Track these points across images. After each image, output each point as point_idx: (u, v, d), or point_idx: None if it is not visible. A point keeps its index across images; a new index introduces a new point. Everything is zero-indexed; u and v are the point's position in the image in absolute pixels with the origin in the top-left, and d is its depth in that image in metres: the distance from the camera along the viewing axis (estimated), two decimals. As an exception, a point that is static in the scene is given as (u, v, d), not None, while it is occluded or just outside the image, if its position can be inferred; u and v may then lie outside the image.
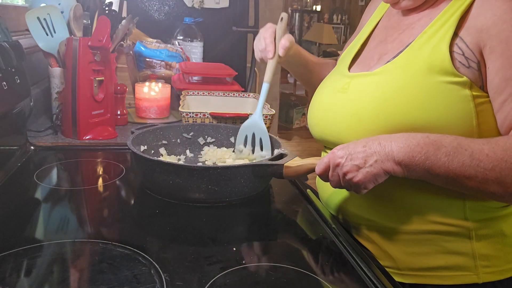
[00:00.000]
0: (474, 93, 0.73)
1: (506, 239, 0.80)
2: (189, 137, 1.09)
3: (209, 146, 1.08)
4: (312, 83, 1.08)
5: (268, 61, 0.95)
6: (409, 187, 0.78)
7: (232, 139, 1.08)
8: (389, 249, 0.81)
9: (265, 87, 0.95)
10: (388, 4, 0.92)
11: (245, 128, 1.00)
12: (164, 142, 1.05)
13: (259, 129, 0.98)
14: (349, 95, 0.83)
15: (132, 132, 1.00)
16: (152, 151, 1.02)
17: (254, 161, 0.98)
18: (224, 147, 1.08)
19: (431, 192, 0.77)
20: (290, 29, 8.80)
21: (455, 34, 0.75)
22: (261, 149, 0.98)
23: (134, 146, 0.92)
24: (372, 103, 0.78)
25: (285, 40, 0.93)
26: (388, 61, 0.81)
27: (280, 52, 0.93)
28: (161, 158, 0.99)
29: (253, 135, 0.99)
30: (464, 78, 0.73)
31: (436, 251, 0.79)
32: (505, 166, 0.66)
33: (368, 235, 0.83)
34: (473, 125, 0.73)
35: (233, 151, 1.04)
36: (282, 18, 0.96)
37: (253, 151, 0.99)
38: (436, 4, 0.82)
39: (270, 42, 0.94)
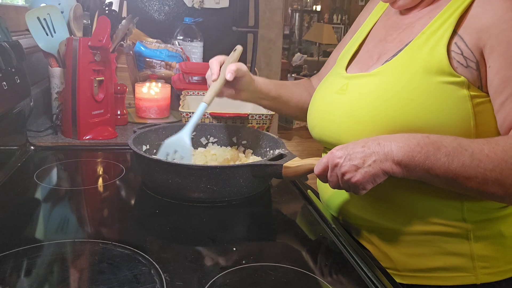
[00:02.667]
0: (472, 93, 0.73)
1: (504, 240, 0.80)
2: (192, 136, 1.09)
3: (210, 146, 1.08)
4: (290, 109, 1.06)
5: (211, 83, 0.94)
6: (408, 188, 0.78)
7: (234, 139, 1.09)
8: (388, 251, 0.81)
9: (201, 106, 0.92)
10: (387, 4, 0.92)
11: (167, 145, 0.93)
12: None
13: (184, 147, 0.92)
14: (347, 96, 0.83)
15: (134, 132, 1.00)
16: (154, 150, 1.02)
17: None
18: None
19: (430, 193, 0.77)
20: (290, 29, 8.81)
21: (455, 34, 0.75)
22: None
23: (135, 145, 0.92)
24: (371, 104, 0.77)
25: (233, 65, 0.92)
26: (386, 61, 0.81)
27: (227, 75, 0.91)
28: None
29: (176, 152, 0.92)
30: (462, 78, 0.73)
31: (435, 252, 0.79)
32: (505, 167, 0.65)
33: (367, 237, 0.83)
34: (471, 125, 0.73)
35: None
36: (235, 49, 0.98)
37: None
38: (435, 2, 0.82)
39: (215, 65, 0.95)
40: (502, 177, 0.65)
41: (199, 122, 0.94)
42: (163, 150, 0.93)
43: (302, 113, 1.04)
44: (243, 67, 0.94)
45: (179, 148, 0.92)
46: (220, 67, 0.95)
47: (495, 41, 0.71)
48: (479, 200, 0.77)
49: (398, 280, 0.79)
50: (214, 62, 0.95)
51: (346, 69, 0.91)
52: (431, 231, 0.78)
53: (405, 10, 0.87)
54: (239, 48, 0.98)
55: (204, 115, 1.16)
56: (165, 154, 0.92)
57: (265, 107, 1.08)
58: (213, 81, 0.93)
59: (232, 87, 0.97)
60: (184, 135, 0.92)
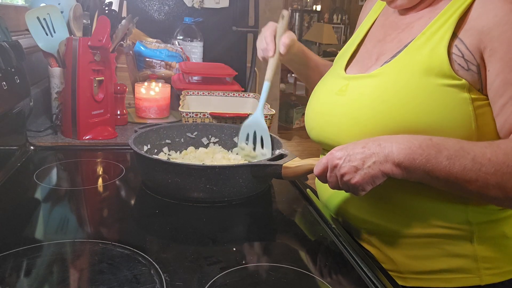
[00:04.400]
0: (473, 96, 0.73)
1: (508, 240, 0.79)
2: (193, 136, 1.09)
3: (212, 146, 1.09)
4: (315, 83, 1.08)
5: (269, 59, 0.95)
6: (410, 190, 0.78)
7: (235, 139, 1.08)
8: (391, 253, 0.81)
9: (266, 85, 0.95)
10: (385, 3, 0.91)
11: (246, 126, 1.00)
12: (167, 141, 1.05)
13: (261, 127, 0.98)
14: (347, 98, 0.82)
15: (136, 131, 1.00)
16: (155, 150, 1.02)
17: (255, 159, 0.98)
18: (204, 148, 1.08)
19: (434, 195, 0.77)
20: (290, 28, 8.79)
21: (454, 36, 0.74)
22: (262, 147, 0.98)
23: (136, 145, 0.92)
24: (370, 106, 0.77)
25: (286, 38, 0.93)
26: (386, 62, 0.80)
27: (281, 49, 0.93)
28: (161, 157, 0.99)
29: (254, 133, 0.99)
30: (463, 81, 0.72)
31: (438, 254, 0.78)
32: (506, 171, 0.65)
33: (368, 238, 0.83)
34: (472, 128, 0.73)
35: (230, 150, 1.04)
36: (283, 16, 0.97)
37: (254, 149, 0.99)
38: (435, 3, 0.81)
39: (271, 40, 0.95)
40: (503, 180, 0.65)
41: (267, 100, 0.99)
42: (243, 132, 1.00)
43: None
44: (293, 36, 0.96)
45: (257, 128, 0.99)
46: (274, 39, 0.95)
47: (495, 43, 0.70)
48: (482, 202, 0.77)
49: (400, 282, 0.79)
50: (269, 36, 0.95)
51: (345, 70, 0.90)
52: (435, 234, 0.78)
53: (404, 10, 0.86)
54: (285, 14, 0.97)
55: (204, 115, 1.16)
56: (245, 135, 1.00)
57: (298, 73, 1.13)
58: (271, 57, 0.95)
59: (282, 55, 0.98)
60: (259, 116, 0.98)
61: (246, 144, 1.00)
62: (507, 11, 0.70)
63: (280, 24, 0.96)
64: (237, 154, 1.03)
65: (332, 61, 1.10)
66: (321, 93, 0.91)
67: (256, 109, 1.00)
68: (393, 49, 0.81)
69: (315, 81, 1.07)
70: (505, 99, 0.70)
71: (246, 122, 1.00)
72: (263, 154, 0.98)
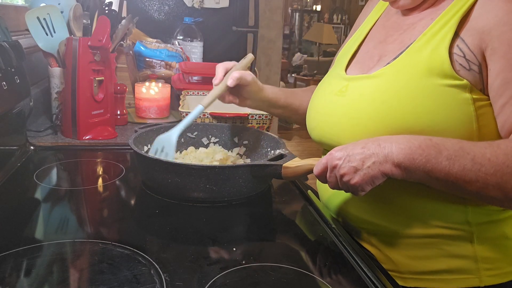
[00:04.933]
0: (475, 96, 0.72)
1: (508, 241, 0.79)
2: (193, 136, 1.09)
3: (212, 146, 1.08)
4: (299, 116, 1.05)
5: (213, 87, 0.95)
6: (410, 190, 0.77)
7: (236, 139, 1.08)
8: (390, 253, 0.81)
9: (198, 109, 0.93)
10: (387, 3, 0.91)
11: (158, 141, 0.95)
12: None
13: (169, 144, 0.93)
14: (347, 98, 0.82)
15: (136, 131, 1.00)
16: None
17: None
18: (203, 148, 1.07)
19: (433, 196, 0.77)
20: (290, 29, 8.81)
21: (456, 36, 0.74)
22: None
23: (136, 145, 0.92)
24: (371, 107, 0.77)
25: (236, 72, 0.93)
26: (388, 63, 0.80)
27: (229, 81, 0.93)
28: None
29: (163, 148, 0.94)
30: (464, 81, 0.72)
31: (438, 255, 0.78)
32: (506, 171, 0.64)
33: (368, 238, 0.83)
34: (473, 128, 0.73)
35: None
36: (246, 57, 0.99)
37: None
38: (437, 4, 0.81)
39: (220, 70, 0.97)
40: (503, 181, 0.65)
41: (192, 123, 0.96)
42: (154, 145, 0.95)
43: None
44: (247, 76, 0.94)
45: (166, 144, 0.93)
46: (226, 73, 0.96)
47: (496, 43, 0.70)
48: (481, 203, 0.77)
49: (400, 282, 0.79)
50: (220, 67, 0.97)
51: (345, 70, 0.90)
52: (434, 234, 0.78)
53: (406, 11, 0.86)
54: (249, 56, 0.99)
55: (204, 114, 1.16)
56: (154, 149, 0.94)
57: (274, 115, 1.09)
58: (215, 85, 0.95)
59: (236, 95, 0.98)
60: (173, 134, 0.93)
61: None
62: (507, 11, 0.70)
63: (240, 61, 0.98)
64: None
65: (331, 61, 1.10)
66: (321, 94, 0.91)
67: (177, 127, 0.94)
68: (395, 50, 0.81)
69: (298, 120, 1.06)
70: (506, 98, 0.70)
71: (160, 136, 0.95)
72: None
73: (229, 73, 0.95)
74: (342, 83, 0.85)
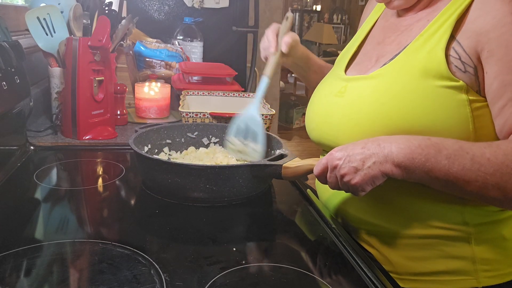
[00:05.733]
0: (471, 98, 0.72)
1: (506, 242, 0.79)
2: (194, 136, 1.09)
3: (212, 146, 1.08)
4: (319, 77, 1.08)
5: (270, 56, 0.96)
6: (408, 191, 0.78)
7: None
8: (388, 254, 0.81)
9: (264, 80, 0.95)
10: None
11: (238, 120, 0.96)
12: (168, 141, 1.05)
13: (255, 122, 0.94)
14: (345, 99, 0.82)
15: (136, 131, 1.00)
16: (156, 150, 1.02)
17: (246, 155, 0.96)
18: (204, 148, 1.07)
19: (431, 197, 0.77)
20: (291, 30, 8.79)
21: (452, 37, 0.74)
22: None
23: (136, 145, 0.92)
24: (369, 107, 0.77)
25: (288, 37, 0.94)
26: (385, 64, 0.80)
27: (283, 48, 0.94)
28: (161, 157, 0.99)
29: (246, 128, 0.95)
30: (461, 83, 0.72)
31: (436, 256, 0.78)
32: (506, 171, 0.64)
33: (367, 239, 0.83)
34: (470, 129, 0.72)
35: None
36: (287, 18, 0.98)
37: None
38: (433, 4, 0.81)
39: (272, 38, 0.97)
40: (503, 181, 0.65)
41: (264, 95, 0.97)
42: (233, 126, 0.96)
43: None
44: (296, 37, 0.96)
45: (251, 123, 0.95)
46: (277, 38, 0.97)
47: (494, 45, 0.70)
48: (480, 203, 0.77)
49: (399, 283, 0.79)
50: (271, 33, 0.97)
51: (345, 71, 0.90)
52: (432, 235, 0.78)
53: (403, 12, 0.86)
54: (290, 16, 0.99)
55: (204, 115, 1.16)
56: (236, 129, 0.95)
57: (302, 77, 1.12)
58: (272, 54, 0.96)
59: (286, 55, 0.99)
60: (254, 110, 0.95)
61: (236, 139, 0.96)
62: (505, 12, 0.70)
63: (283, 24, 0.97)
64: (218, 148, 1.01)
65: (331, 61, 1.10)
66: (321, 95, 0.92)
67: (250, 104, 0.96)
68: (392, 51, 0.82)
69: (318, 84, 1.07)
70: (504, 100, 0.70)
71: (239, 115, 0.96)
72: (255, 150, 0.93)
73: (280, 38, 0.96)
74: (341, 84, 0.86)
